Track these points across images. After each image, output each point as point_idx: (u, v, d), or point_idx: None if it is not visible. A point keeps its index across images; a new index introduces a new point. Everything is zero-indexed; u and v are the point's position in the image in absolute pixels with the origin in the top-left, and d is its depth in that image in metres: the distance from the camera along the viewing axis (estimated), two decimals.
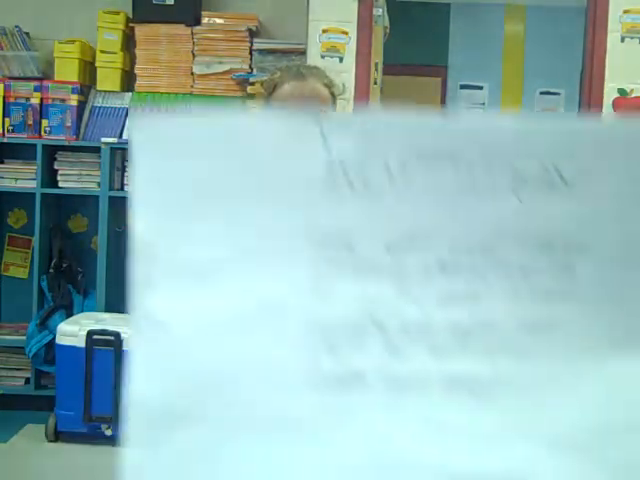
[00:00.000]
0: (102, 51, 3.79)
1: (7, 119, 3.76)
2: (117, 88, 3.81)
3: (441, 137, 0.68)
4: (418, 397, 0.69)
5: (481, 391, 0.70)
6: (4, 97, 3.75)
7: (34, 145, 3.69)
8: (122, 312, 3.15)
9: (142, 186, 0.68)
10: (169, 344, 0.68)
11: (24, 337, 3.68)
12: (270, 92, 1.62)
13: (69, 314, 3.70)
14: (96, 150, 3.71)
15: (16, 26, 3.78)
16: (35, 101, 3.73)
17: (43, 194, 3.71)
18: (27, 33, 3.81)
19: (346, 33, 3.47)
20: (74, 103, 3.73)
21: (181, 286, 0.68)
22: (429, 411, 0.69)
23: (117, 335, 3.27)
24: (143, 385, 0.68)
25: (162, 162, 0.68)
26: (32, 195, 3.71)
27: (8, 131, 3.78)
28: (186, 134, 0.69)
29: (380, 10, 3.60)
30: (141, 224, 0.68)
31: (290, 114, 0.70)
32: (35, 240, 3.77)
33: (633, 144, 0.68)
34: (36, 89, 3.73)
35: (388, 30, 4.09)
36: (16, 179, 3.80)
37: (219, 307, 0.68)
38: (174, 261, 0.68)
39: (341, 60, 3.47)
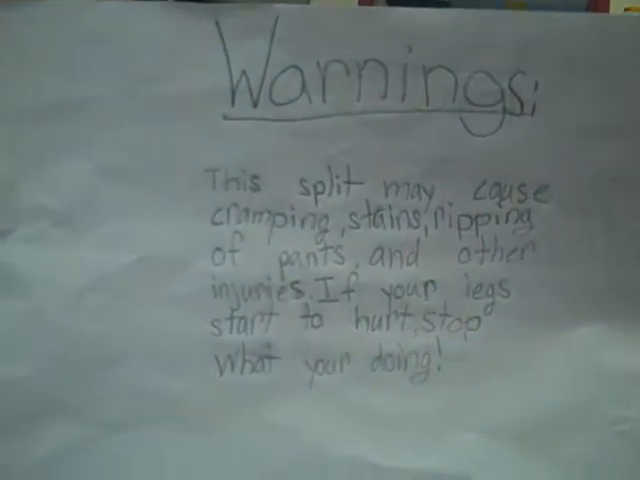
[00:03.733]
0: None
1: None
2: None
3: (366, 38, 0.52)
4: (339, 375, 0.56)
5: (415, 370, 0.57)
6: None
7: None
8: None
9: None
10: (30, 310, 0.54)
11: None
12: None
13: None
14: None
15: None
16: None
17: None
18: None
19: None
20: None
21: (40, 233, 0.54)
22: (352, 393, 0.56)
23: None
24: None
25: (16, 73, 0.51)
26: None
27: None
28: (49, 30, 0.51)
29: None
30: None
31: (183, 6, 0.52)
32: None
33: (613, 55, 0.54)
34: None
35: None
36: None
37: (91, 261, 0.54)
38: (30, 201, 0.53)
39: None
